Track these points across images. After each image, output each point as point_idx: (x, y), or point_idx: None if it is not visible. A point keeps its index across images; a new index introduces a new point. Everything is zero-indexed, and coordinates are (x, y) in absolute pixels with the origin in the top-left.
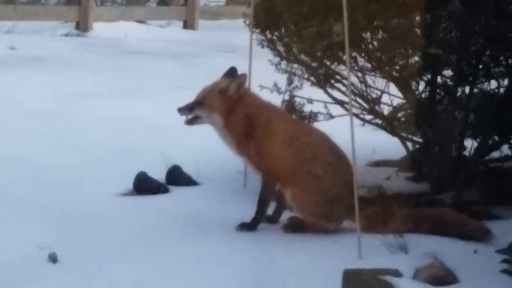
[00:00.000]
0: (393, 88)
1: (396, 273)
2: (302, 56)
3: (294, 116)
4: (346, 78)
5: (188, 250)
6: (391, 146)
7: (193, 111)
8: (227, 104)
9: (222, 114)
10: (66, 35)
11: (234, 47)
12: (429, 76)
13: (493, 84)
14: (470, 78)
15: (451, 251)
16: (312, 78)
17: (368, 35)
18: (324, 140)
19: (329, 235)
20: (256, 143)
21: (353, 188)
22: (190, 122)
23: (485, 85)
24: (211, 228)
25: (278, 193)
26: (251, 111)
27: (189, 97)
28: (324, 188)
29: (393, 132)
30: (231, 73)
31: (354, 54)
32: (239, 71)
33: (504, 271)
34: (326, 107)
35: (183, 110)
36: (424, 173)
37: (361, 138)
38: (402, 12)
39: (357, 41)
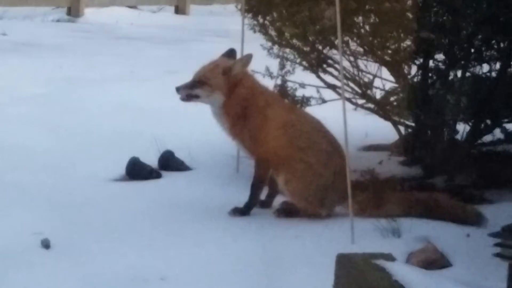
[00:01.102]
0: (385, 72)
1: (389, 257)
2: (294, 41)
3: (288, 102)
4: (338, 63)
5: (181, 235)
6: (383, 130)
7: (193, 90)
8: (229, 84)
9: (224, 93)
10: (58, 20)
11: (226, 32)
12: (421, 60)
13: (485, 67)
14: (462, 62)
15: (444, 235)
16: (304, 63)
17: (360, 19)
18: (318, 127)
19: (322, 220)
20: (251, 127)
21: (346, 175)
22: (186, 99)
23: (477, 69)
24: (203, 213)
25: (270, 178)
26: (249, 94)
27: (182, 82)
28: (316, 175)
29: (385, 116)
30: (230, 54)
31: (346, 38)
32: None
33: (497, 255)
34: (318, 91)
35: (182, 89)
36: (416, 157)
37: (354, 122)
38: None
39: (349, 25)
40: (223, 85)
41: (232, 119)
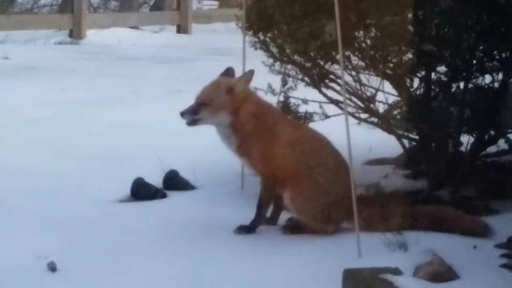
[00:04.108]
0: (387, 86)
1: (396, 271)
2: (296, 57)
3: (292, 118)
4: (340, 77)
5: (188, 255)
6: (387, 144)
7: (198, 113)
8: (234, 102)
9: (230, 112)
10: (60, 43)
11: (228, 50)
12: (423, 73)
13: (488, 78)
14: (464, 74)
15: (451, 247)
16: (306, 79)
17: (361, 33)
18: (325, 145)
19: (328, 235)
20: (259, 145)
21: (351, 192)
22: (192, 123)
23: (480, 80)
24: (210, 231)
25: (276, 194)
26: (258, 111)
27: (185, 101)
28: (323, 192)
29: (389, 130)
30: (229, 72)
31: (347, 53)
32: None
33: (503, 266)
34: (321, 107)
35: (186, 113)
36: (421, 170)
37: (357, 137)
38: (394, 10)
39: (350, 40)
40: (228, 104)
41: (241, 137)
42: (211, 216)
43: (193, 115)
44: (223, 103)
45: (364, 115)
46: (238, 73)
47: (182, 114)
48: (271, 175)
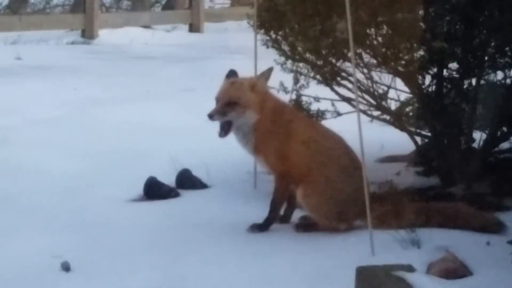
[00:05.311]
0: (399, 83)
1: (409, 268)
2: (307, 55)
3: (304, 116)
4: (352, 75)
5: (201, 253)
6: (399, 141)
7: (227, 114)
8: (259, 99)
9: (256, 111)
10: (72, 43)
11: (240, 49)
12: (435, 70)
13: (499, 75)
14: (476, 70)
15: (464, 244)
16: (318, 76)
17: (372, 31)
18: (339, 143)
19: (341, 233)
20: (276, 143)
21: (364, 190)
22: (224, 134)
23: (492, 77)
24: (223, 230)
25: (289, 192)
26: (276, 109)
27: (197, 99)
28: (336, 190)
29: (401, 127)
30: (232, 74)
31: (359, 50)
32: (245, 72)
33: None
34: (333, 104)
35: (216, 115)
36: (434, 167)
37: (370, 134)
38: (405, 7)
39: (361, 38)
40: (254, 102)
41: (260, 136)
42: (224, 215)
43: (222, 116)
44: (250, 101)
45: (376, 113)
46: (248, 72)
47: (211, 115)
48: (286, 173)
